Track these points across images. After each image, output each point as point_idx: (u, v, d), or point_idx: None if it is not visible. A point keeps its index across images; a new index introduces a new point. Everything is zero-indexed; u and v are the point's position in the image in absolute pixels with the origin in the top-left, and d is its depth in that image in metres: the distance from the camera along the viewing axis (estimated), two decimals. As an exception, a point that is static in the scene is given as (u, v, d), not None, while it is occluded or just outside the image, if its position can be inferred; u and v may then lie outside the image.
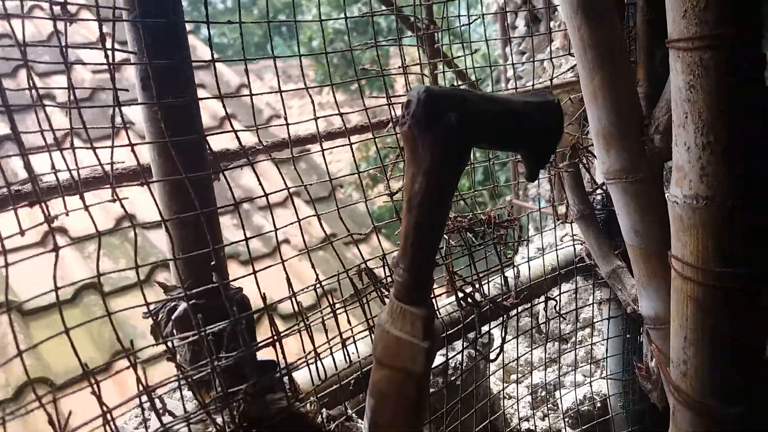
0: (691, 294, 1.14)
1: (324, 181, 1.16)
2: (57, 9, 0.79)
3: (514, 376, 1.97)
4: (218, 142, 1.04)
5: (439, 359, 1.47)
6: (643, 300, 1.37)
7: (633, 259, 1.35)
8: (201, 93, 4.36)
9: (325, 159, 1.15)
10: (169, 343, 0.83)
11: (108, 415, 0.78)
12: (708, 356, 1.16)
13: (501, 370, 1.90)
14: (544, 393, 1.88)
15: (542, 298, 1.50)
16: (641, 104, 1.32)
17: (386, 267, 1.13)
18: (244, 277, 0.95)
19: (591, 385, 1.78)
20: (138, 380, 0.78)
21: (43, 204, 0.76)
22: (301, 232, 1.04)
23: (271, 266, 1.00)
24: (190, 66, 0.93)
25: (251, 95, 1.00)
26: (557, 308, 1.53)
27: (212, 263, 0.88)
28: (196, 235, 0.92)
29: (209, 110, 4.24)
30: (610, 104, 1.26)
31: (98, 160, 0.82)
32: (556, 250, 1.53)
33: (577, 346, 1.88)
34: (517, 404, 1.78)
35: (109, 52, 0.82)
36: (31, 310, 2.60)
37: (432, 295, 1.23)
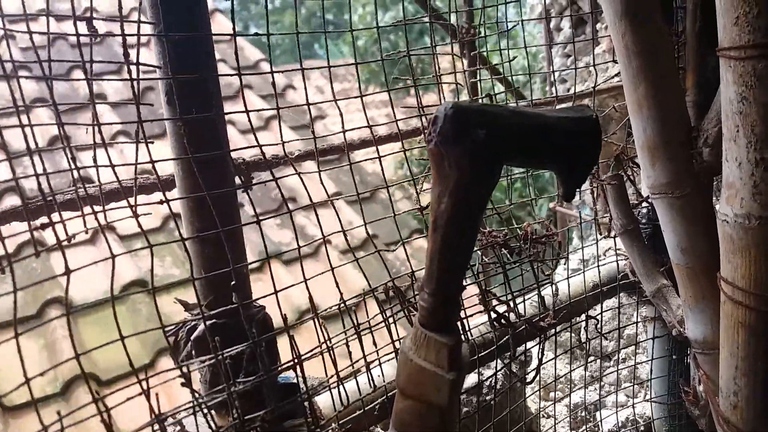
0: (743, 320, 1.06)
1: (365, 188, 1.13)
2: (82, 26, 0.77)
3: (552, 394, 1.90)
4: (262, 138, 1.02)
5: (472, 377, 1.41)
6: (689, 322, 1.29)
7: (679, 278, 1.27)
8: (247, 93, 4.42)
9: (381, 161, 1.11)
10: (185, 367, 0.80)
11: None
12: (761, 388, 1.08)
13: (539, 387, 1.83)
14: (584, 413, 1.80)
15: (583, 317, 1.43)
16: (689, 114, 1.24)
17: (414, 284, 1.08)
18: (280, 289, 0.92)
19: (634, 407, 1.69)
20: (150, 407, 0.75)
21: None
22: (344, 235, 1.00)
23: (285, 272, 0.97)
24: (216, 81, 0.90)
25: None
26: (598, 327, 1.46)
27: (232, 283, 0.86)
28: (218, 252, 0.90)
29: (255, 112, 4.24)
30: (655, 115, 1.18)
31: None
32: (598, 266, 1.46)
33: (620, 365, 1.80)
34: (555, 425, 1.71)
35: (133, 68, 0.80)
36: (80, 307, 2.67)
37: (462, 316, 1.18)
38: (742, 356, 1.08)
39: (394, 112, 1.13)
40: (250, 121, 0.90)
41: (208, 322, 0.90)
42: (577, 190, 0.85)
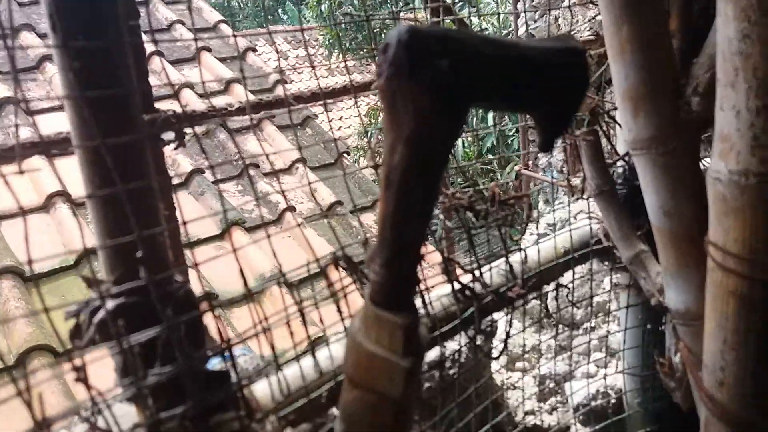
0: (734, 289, 0.95)
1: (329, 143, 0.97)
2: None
3: (519, 364, 1.80)
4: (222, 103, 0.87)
5: (435, 351, 1.29)
6: (670, 291, 1.18)
7: (660, 243, 1.16)
8: (206, 56, 4.18)
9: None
10: (77, 360, 0.64)
11: None
12: (752, 363, 0.97)
13: (505, 358, 1.73)
14: (552, 384, 1.71)
15: (553, 286, 1.31)
16: (676, 59, 1.11)
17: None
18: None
19: (605, 379, 1.60)
20: (30, 408, 0.60)
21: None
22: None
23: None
24: (114, 1, 0.73)
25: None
26: (570, 296, 1.34)
27: (137, 254, 0.70)
28: (125, 216, 0.73)
29: (214, 74, 4.02)
30: (640, 58, 1.05)
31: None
32: (570, 230, 1.34)
33: (591, 334, 1.70)
34: (523, 397, 1.61)
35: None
36: (32, 276, 2.51)
37: (422, 288, 1.05)
38: (731, 329, 0.97)
39: (347, 68, 0.97)
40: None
41: (115, 302, 0.74)
42: (559, 135, 0.71)
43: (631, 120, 1.09)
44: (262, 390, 0.86)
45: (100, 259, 0.78)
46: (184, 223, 0.79)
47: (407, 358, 0.65)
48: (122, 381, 0.74)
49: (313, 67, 0.98)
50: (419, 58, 0.59)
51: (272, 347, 0.79)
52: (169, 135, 1.17)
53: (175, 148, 1.12)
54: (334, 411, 0.92)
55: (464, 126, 0.66)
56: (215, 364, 0.85)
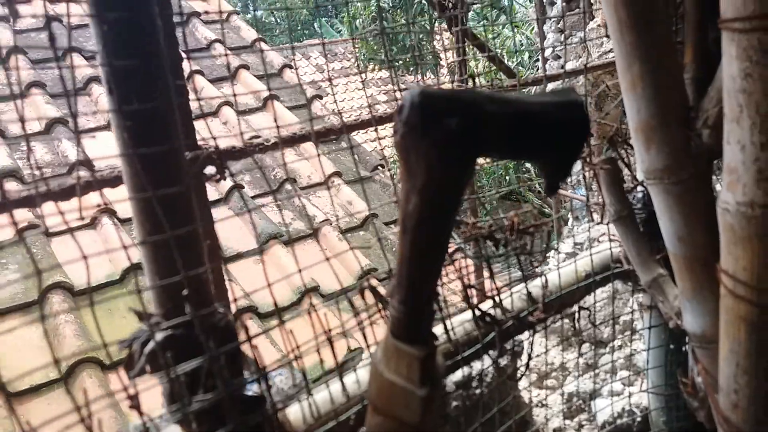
0: (745, 315, 0.99)
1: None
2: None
3: (547, 382, 1.84)
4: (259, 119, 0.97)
5: (460, 373, 1.35)
6: (687, 314, 1.22)
7: (676, 269, 1.20)
8: (244, 74, 4.33)
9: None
10: (131, 388, 0.73)
11: None
12: (763, 386, 1.01)
13: (531, 375, 1.77)
14: (579, 402, 1.74)
15: (574, 308, 1.36)
16: (687, 93, 1.16)
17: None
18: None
19: (630, 397, 1.63)
20: (82, 421, 0.68)
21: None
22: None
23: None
24: (161, 66, 0.82)
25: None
26: (591, 317, 1.38)
27: (183, 292, 0.78)
28: (173, 257, 0.82)
29: (252, 90, 4.15)
30: (650, 94, 1.10)
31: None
32: (591, 255, 1.38)
33: (616, 352, 1.74)
34: (547, 414, 1.65)
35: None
36: (81, 291, 2.63)
37: (444, 316, 1.11)
38: (743, 353, 1.01)
39: (363, 86, 1.05)
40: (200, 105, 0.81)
41: (163, 334, 0.83)
42: (562, 181, 0.77)
43: (644, 151, 1.14)
44: (294, 413, 0.93)
45: (151, 295, 0.87)
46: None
47: (423, 388, 0.72)
48: (170, 407, 0.82)
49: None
50: (430, 118, 0.66)
51: (303, 374, 0.87)
52: (210, 170, 1.26)
53: (217, 181, 1.22)
54: None
55: (471, 175, 0.72)
56: (252, 388, 0.93)
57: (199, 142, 1.17)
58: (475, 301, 1.12)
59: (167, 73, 0.80)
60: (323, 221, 3.33)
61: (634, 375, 1.72)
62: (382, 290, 1.01)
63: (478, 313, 1.10)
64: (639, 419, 1.62)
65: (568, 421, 1.68)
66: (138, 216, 0.83)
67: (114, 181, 1.06)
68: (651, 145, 1.13)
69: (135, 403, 0.71)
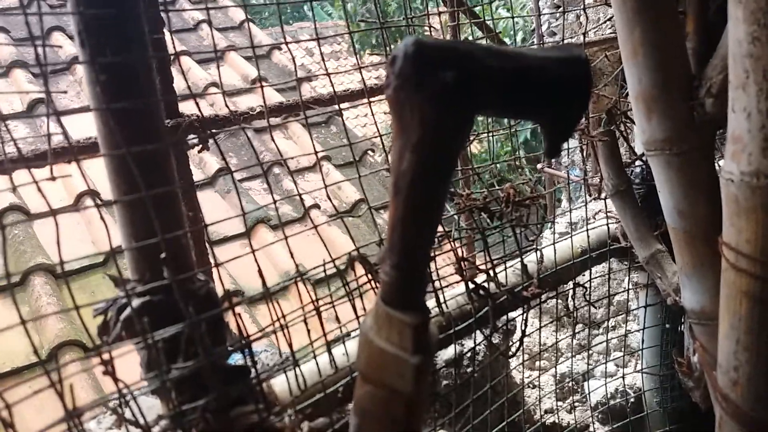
0: (747, 289, 0.96)
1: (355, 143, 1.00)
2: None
3: (539, 363, 1.81)
4: (247, 102, 0.93)
5: (451, 350, 1.31)
6: (686, 291, 1.19)
7: (676, 243, 1.17)
8: (231, 55, 4.26)
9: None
10: (105, 354, 0.69)
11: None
12: (765, 363, 0.98)
13: (523, 358, 1.74)
14: (571, 383, 1.72)
15: (570, 284, 1.33)
16: (690, 62, 1.12)
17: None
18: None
19: (624, 378, 1.60)
20: (62, 398, 0.64)
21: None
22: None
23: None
24: (138, 20, 0.77)
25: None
26: (587, 296, 1.35)
27: (162, 255, 0.74)
28: (150, 220, 0.77)
29: (240, 72, 4.10)
30: (652, 61, 1.06)
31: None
32: (587, 230, 1.35)
33: (610, 333, 1.71)
34: (539, 395, 1.63)
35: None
36: (63, 273, 2.58)
37: (438, 287, 1.07)
38: (744, 329, 0.98)
39: (358, 62, 1.00)
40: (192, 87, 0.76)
41: (140, 300, 0.79)
42: (564, 146, 0.73)
43: (645, 122, 1.10)
44: (280, 385, 0.89)
45: (126, 259, 0.82)
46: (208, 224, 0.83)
47: (416, 356, 0.68)
48: (147, 375, 0.78)
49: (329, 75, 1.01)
50: (425, 70, 0.62)
51: (290, 344, 0.83)
52: (193, 139, 1.21)
53: (199, 151, 1.17)
54: (350, 407, 0.96)
55: (471, 132, 0.68)
56: (237, 359, 0.89)
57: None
58: (468, 274, 1.08)
59: (143, 24, 0.75)
60: (312, 206, 3.29)
61: (628, 356, 1.70)
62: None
63: (471, 286, 1.06)
64: (633, 400, 1.60)
65: (560, 403, 1.65)
66: (113, 177, 0.79)
67: (91, 149, 1.01)
68: (652, 115, 1.09)
69: (110, 369, 0.67)
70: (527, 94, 0.67)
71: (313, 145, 0.97)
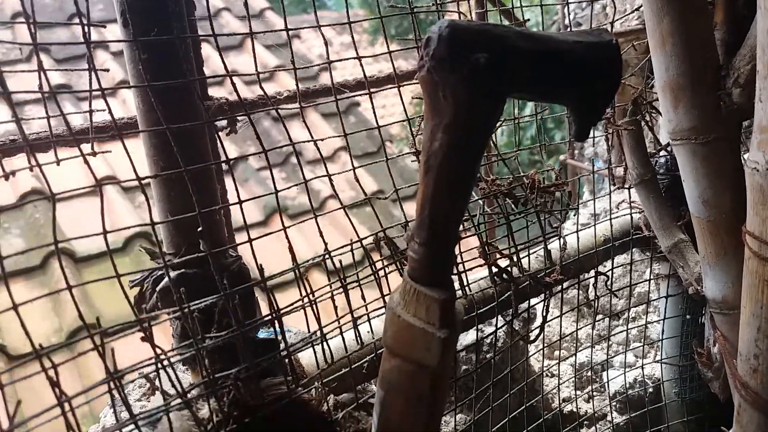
0: (770, 278, 0.96)
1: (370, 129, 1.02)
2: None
3: (557, 353, 1.82)
4: (267, 90, 0.97)
5: (472, 334, 1.33)
6: (708, 280, 1.19)
7: (699, 233, 1.17)
8: (249, 42, 4.29)
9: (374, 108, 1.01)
10: (146, 321, 0.72)
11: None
12: (786, 351, 0.99)
13: (543, 345, 1.76)
14: (590, 373, 1.73)
15: (591, 273, 1.34)
16: (718, 52, 1.12)
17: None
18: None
19: (643, 368, 1.61)
20: (105, 363, 0.67)
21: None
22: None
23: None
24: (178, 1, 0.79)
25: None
26: (608, 284, 1.36)
27: (198, 229, 0.76)
28: (186, 195, 0.80)
29: (260, 61, 4.13)
30: (680, 51, 1.07)
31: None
32: (611, 219, 1.35)
33: (630, 324, 1.71)
34: (558, 384, 1.64)
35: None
36: (83, 258, 2.64)
37: (461, 270, 1.09)
38: (766, 317, 0.99)
39: (387, 45, 1.02)
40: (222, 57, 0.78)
41: (177, 272, 0.82)
42: (591, 133, 0.74)
43: (671, 111, 1.11)
44: (307, 359, 0.92)
45: (162, 234, 0.85)
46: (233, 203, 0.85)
47: (443, 330, 0.70)
48: (181, 344, 0.81)
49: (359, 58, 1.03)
50: (459, 52, 0.64)
51: (318, 318, 0.85)
52: (221, 122, 1.24)
53: (228, 134, 1.20)
54: (374, 383, 0.98)
55: (502, 115, 0.70)
56: (266, 334, 0.92)
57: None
58: (491, 258, 1.10)
59: (183, 4, 0.78)
60: (329, 196, 3.31)
61: (648, 347, 1.70)
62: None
63: (494, 270, 1.08)
64: (651, 390, 1.61)
65: (578, 392, 1.66)
66: (152, 153, 0.81)
67: (127, 127, 1.04)
68: (679, 104, 1.09)
69: (147, 336, 0.69)
70: (558, 78, 0.69)
71: (343, 129, 0.99)
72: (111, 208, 2.89)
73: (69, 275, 2.59)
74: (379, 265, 0.96)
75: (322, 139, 0.93)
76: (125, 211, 2.88)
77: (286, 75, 4.01)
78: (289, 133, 0.92)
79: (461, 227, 1.07)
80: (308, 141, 0.92)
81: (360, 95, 1.12)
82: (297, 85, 0.90)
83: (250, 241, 0.80)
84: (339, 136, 0.99)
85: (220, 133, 1.20)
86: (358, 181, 0.98)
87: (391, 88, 1.20)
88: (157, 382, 0.78)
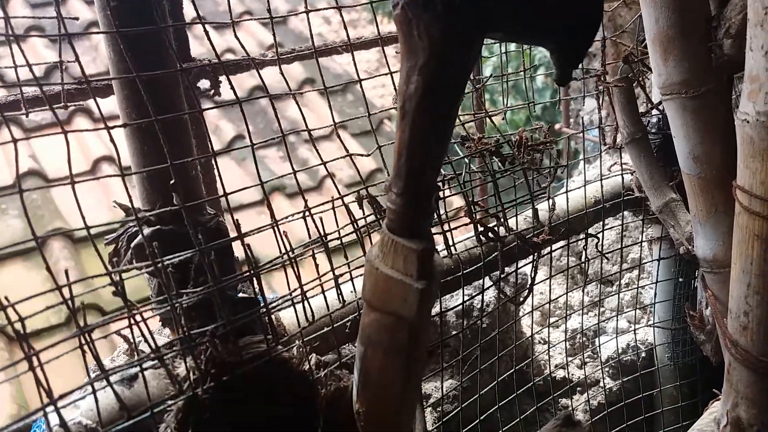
0: (759, 233, 0.95)
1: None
2: None
3: (551, 319, 1.81)
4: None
5: (457, 298, 1.32)
6: (699, 239, 1.17)
7: (690, 190, 1.15)
8: (248, 22, 4.24)
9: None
10: (116, 276, 0.70)
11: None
12: (776, 306, 0.97)
13: (534, 312, 1.74)
14: (582, 339, 1.71)
15: (582, 236, 1.32)
16: (709, 2, 1.09)
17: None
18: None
19: (635, 333, 1.60)
20: (75, 319, 0.65)
21: None
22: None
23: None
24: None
25: None
26: (599, 246, 1.34)
27: (171, 182, 0.74)
28: (160, 148, 0.78)
29: (256, 38, 4.08)
30: (670, 2, 1.04)
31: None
32: (601, 179, 1.33)
33: (623, 289, 1.70)
34: (548, 350, 1.63)
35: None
36: (82, 238, 2.63)
37: (445, 230, 1.07)
38: (756, 273, 0.97)
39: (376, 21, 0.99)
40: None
41: (151, 229, 0.80)
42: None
43: (661, 64, 1.08)
44: (289, 318, 0.90)
45: (137, 190, 0.83)
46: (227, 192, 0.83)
47: (421, 281, 0.68)
48: (157, 300, 0.79)
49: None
50: (432, -12, 0.61)
51: (298, 276, 0.84)
52: (204, 83, 1.21)
53: (212, 96, 1.17)
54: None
55: (477, 54, 0.67)
56: (245, 290, 0.91)
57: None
58: (478, 217, 1.08)
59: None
60: (327, 175, 3.29)
61: (640, 311, 1.69)
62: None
63: (480, 228, 1.06)
64: (644, 355, 1.60)
65: (570, 358, 1.66)
66: (123, 105, 0.79)
67: (104, 91, 1.02)
68: (669, 57, 1.07)
69: (119, 291, 0.68)
70: (538, 16, 0.66)
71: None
72: (108, 188, 2.86)
73: (67, 255, 2.59)
74: (361, 223, 0.94)
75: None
76: (122, 191, 2.86)
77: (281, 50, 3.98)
78: (277, 114, 0.89)
79: (444, 184, 1.05)
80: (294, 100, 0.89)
81: (338, 51, 1.10)
82: (274, 35, 0.87)
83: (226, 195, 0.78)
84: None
85: (209, 98, 1.18)
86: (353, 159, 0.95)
87: (373, 45, 1.18)
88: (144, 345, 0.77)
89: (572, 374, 1.67)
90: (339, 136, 0.94)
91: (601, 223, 1.36)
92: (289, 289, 0.85)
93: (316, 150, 0.90)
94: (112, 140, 0.66)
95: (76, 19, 0.78)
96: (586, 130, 1.50)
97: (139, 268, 0.75)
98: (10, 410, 2.10)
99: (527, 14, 0.66)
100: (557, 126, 2.57)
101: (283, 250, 0.84)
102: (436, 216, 1.02)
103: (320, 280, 0.88)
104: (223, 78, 1.10)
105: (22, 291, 0.61)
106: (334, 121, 0.95)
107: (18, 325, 0.60)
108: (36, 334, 2.33)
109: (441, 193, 1.01)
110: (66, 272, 0.65)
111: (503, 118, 1.19)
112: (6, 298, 0.60)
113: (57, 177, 2.89)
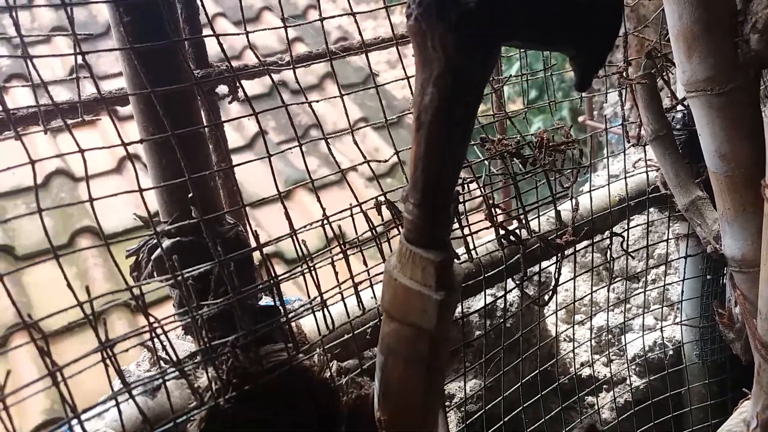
0: (790, 233, 0.92)
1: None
2: None
3: (576, 317, 1.79)
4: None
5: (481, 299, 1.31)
6: (726, 238, 1.15)
7: (717, 189, 1.13)
8: (267, 16, 4.25)
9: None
10: (135, 290, 0.70)
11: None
12: (807, 309, 0.95)
13: (561, 310, 1.73)
14: (608, 337, 1.69)
15: (606, 234, 1.30)
16: (735, -3, 1.06)
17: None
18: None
19: (662, 331, 1.57)
20: (96, 332, 0.66)
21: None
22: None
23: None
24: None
25: None
26: (624, 245, 1.32)
27: (189, 195, 0.75)
28: (177, 161, 0.78)
29: (277, 34, 4.09)
30: (695, -4, 1.01)
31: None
32: (625, 177, 1.31)
33: (649, 286, 1.67)
34: (573, 348, 1.61)
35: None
36: (109, 235, 2.66)
37: (466, 234, 1.06)
38: (786, 274, 0.95)
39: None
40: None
41: (171, 241, 0.80)
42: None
43: (685, 61, 1.06)
44: (309, 326, 0.91)
45: (157, 203, 0.84)
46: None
47: (440, 292, 0.68)
48: (179, 312, 0.80)
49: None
50: (447, -2, 0.60)
51: (317, 285, 0.84)
52: (222, 89, 1.21)
53: (230, 101, 1.17)
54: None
55: (494, 63, 0.66)
56: (265, 299, 0.91)
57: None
58: (499, 220, 1.07)
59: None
60: (348, 168, 3.29)
61: (668, 309, 1.66)
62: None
63: (501, 232, 1.05)
64: (671, 353, 1.57)
65: (596, 356, 1.64)
66: (140, 119, 0.80)
67: (124, 99, 1.02)
68: (693, 54, 1.04)
69: (140, 305, 0.68)
70: (554, 22, 0.65)
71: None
72: (134, 186, 2.89)
73: (95, 253, 2.63)
74: (380, 229, 0.94)
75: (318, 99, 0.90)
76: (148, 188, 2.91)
77: (304, 47, 3.98)
78: (285, 104, 0.89)
79: (466, 189, 1.04)
80: (303, 104, 0.89)
81: (380, 63, 1.09)
82: (288, 43, 0.86)
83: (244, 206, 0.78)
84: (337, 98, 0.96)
85: (227, 102, 1.19)
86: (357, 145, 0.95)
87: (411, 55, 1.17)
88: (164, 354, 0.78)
89: (598, 372, 1.65)
90: (356, 143, 0.93)
91: (626, 221, 1.34)
92: (309, 293, 0.86)
93: (332, 155, 0.90)
94: (129, 158, 0.66)
95: (91, 35, 0.78)
96: (609, 127, 1.48)
97: (160, 280, 0.75)
98: (44, 405, 2.15)
99: (544, 20, 0.65)
100: (581, 118, 2.53)
101: (301, 255, 0.84)
102: (456, 221, 1.01)
103: (340, 288, 0.88)
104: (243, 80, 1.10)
105: (52, 290, 0.62)
106: (350, 125, 0.94)
107: (41, 342, 0.60)
108: (67, 330, 2.38)
109: (461, 197, 1.00)
110: (87, 288, 0.65)
111: (524, 117, 1.18)
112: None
113: (83, 176, 2.93)
